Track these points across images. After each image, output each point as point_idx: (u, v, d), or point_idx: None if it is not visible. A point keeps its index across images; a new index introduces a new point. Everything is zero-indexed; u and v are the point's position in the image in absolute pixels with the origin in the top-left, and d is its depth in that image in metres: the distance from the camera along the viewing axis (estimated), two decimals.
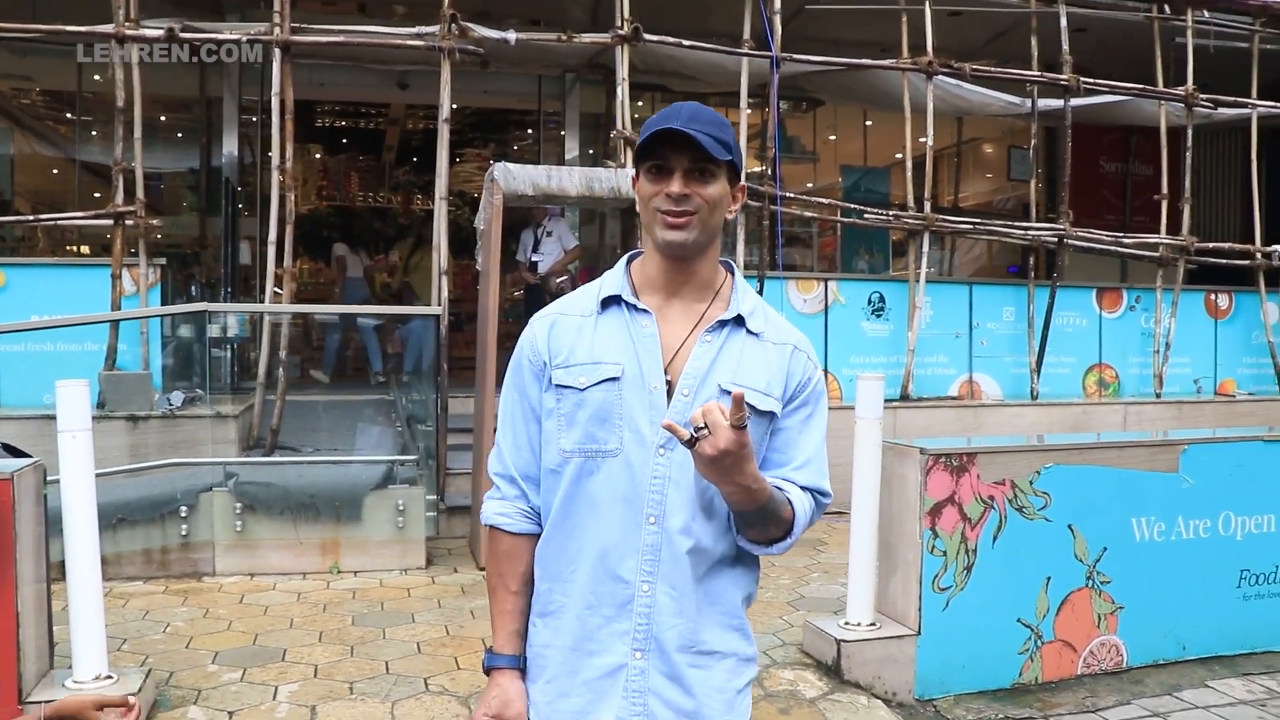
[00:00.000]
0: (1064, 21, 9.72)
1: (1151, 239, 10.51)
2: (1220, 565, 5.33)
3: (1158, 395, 10.43)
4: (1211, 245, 10.83)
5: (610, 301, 1.95)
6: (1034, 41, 9.73)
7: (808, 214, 10.33)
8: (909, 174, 9.65)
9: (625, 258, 2.02)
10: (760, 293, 8.85)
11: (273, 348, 7.92)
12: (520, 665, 1.97)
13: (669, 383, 1.88)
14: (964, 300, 10.06)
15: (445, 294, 7.91)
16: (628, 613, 1.87)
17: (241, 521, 6.52)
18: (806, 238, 13.88)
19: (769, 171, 9.67)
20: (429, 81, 8.75)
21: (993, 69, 9.98)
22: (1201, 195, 12.16)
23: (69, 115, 12.47)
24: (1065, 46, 9.68)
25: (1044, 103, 10.08)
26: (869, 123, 13.75)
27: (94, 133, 11.94)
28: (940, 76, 9.50)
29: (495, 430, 2.07)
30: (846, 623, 4.88)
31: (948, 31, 9.93)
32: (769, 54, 8.94)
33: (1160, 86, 10.28)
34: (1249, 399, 10.89)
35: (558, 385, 1.91)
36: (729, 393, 1.77)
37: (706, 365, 1.89)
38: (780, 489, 1.89)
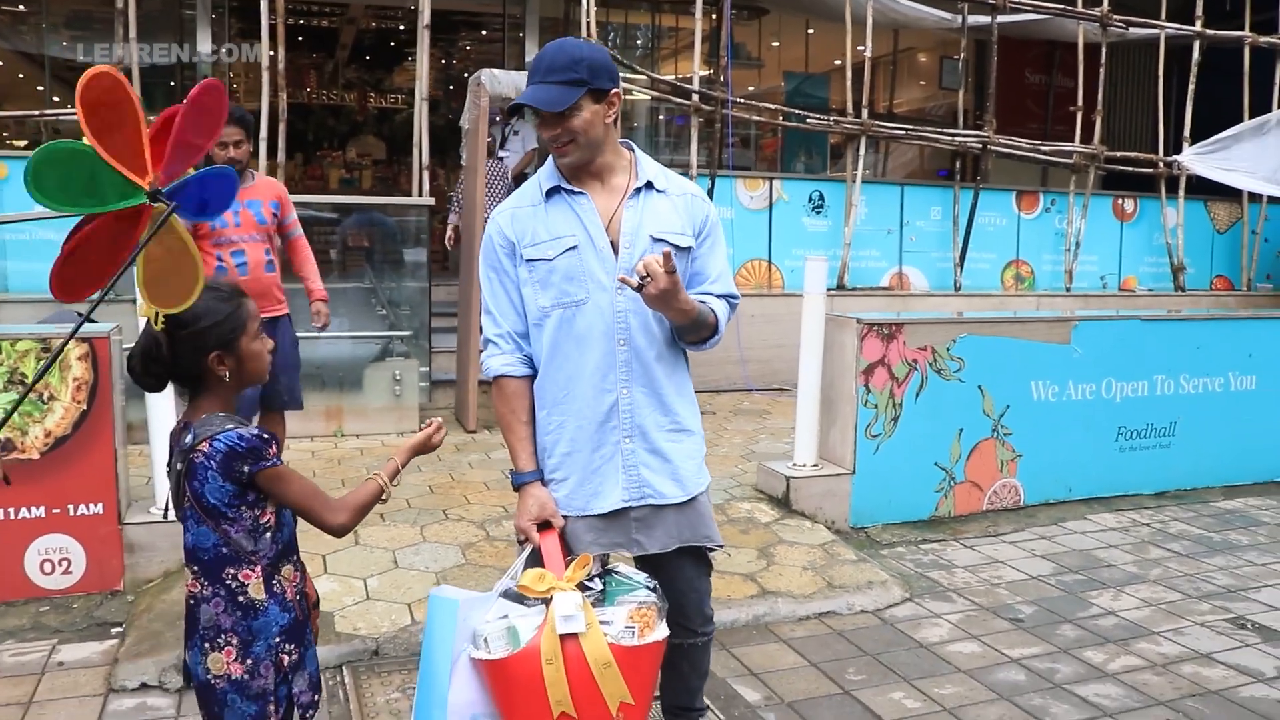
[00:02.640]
0: None
1: (1066, 147, 11.47)
2: (1102, 422, 6.39)
3: (1068, 289, 11.51)
4: (1120, 154, 11.83)
5: (553, 191, 2.59)
6: None
7: (754, 118, 11.10)
8: (848, 81, 10.45)
9: (553, 155, 2.61)
10: (711, 191, 9.80)
11: None
12: (542, 477, 2.63)
13: (612, 242, 2.57)
14: (896, 200, 10.98)
15: (427, 187, 8.65)
16: (615, 412, 2.60)
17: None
18: (749, 139, 14.65)
19: (720, 78, 10.43)
20: None
21: None
22: (1115, 108, 13.13)
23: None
24: None
25: (973, 19, 10.92)
26: (810, 31, 14.43)
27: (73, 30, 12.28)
28: None
29: (482, 306, 2.73)
30: (794, 464, 5.86)
31: None
32: None
33: (1079, 7, 11.15)
34: (1148, 294, 12.03)
35: (530, 260, 2.57)
36: (659, 240, 2.56)
37: (636, 223, 2.59)
38: (704, 302, 2.61)
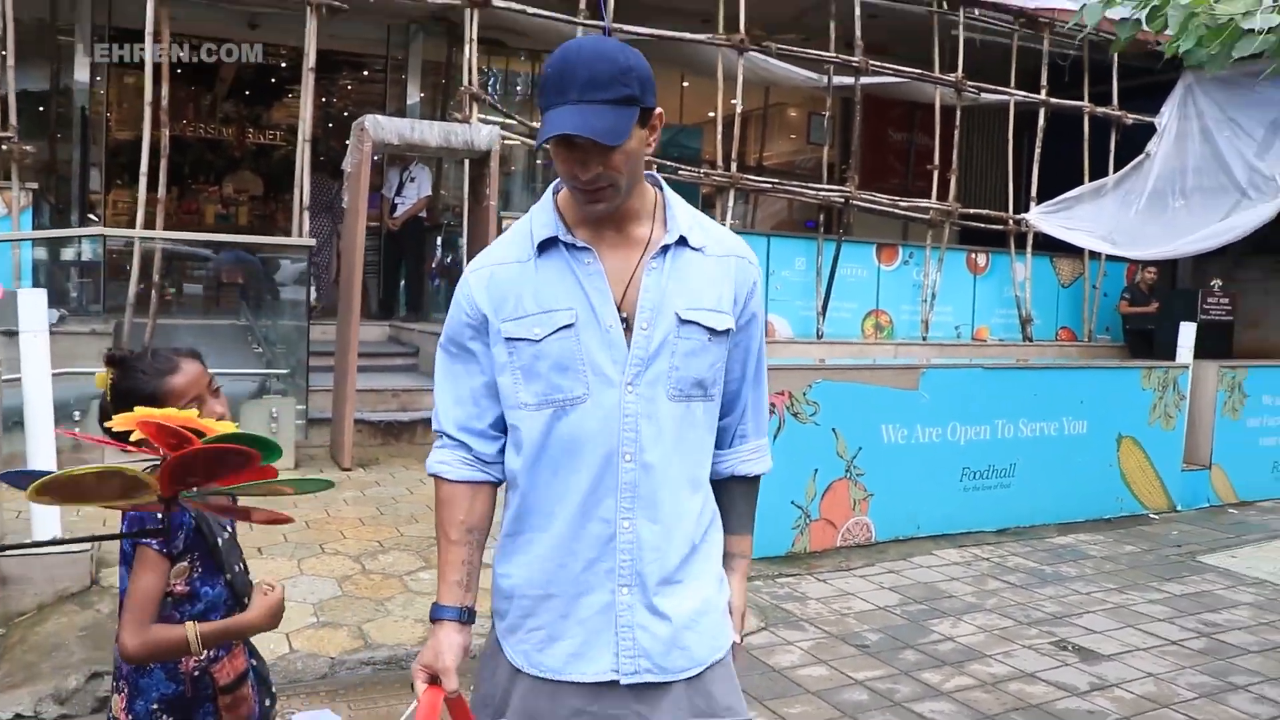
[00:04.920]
0: (857, 10, 11.13)
1: (924, 203, 12.13)
2: (948, 463, 6.86)
3: (924, 338, 12.14)
4: (974, 211, 12.55)
5: (548, 244, 1.88)
6: (832, 26, 11.13)
7: None
8: (719, 134, 10.92)
9: (550, 190, 1.95)
10: None
11: (143, 272, 8.59)
12: (462, 618, 1.92)
13: (624, 318, 1.85)
14: (763, 250, 11.43)
15: (307, 227, 8.78)
16: (611, 550, 1.87)
17: None
18: None
19: None
20: (277, 22, 9.46)
21: (795, 49, 11.31)
22: (969, 167, 13.92)
23: None
24: (859, 33, 11.11)
25: (838, 79, 11.52)
26: (685, 84, 14.95)
27: None
28: (751, 52, 10.78)
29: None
30: None
31: (759, 6, 11.11)
32: (603, 24, 10.03)
33: (936, 72, 11.86)
34: (998, 344, 12.74)
35: (509, 339, 1.87)
36: (689, 321, 1.87)
37: (659, 294, 1.86)
38: (744, 500, 2.11)
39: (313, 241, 8.49)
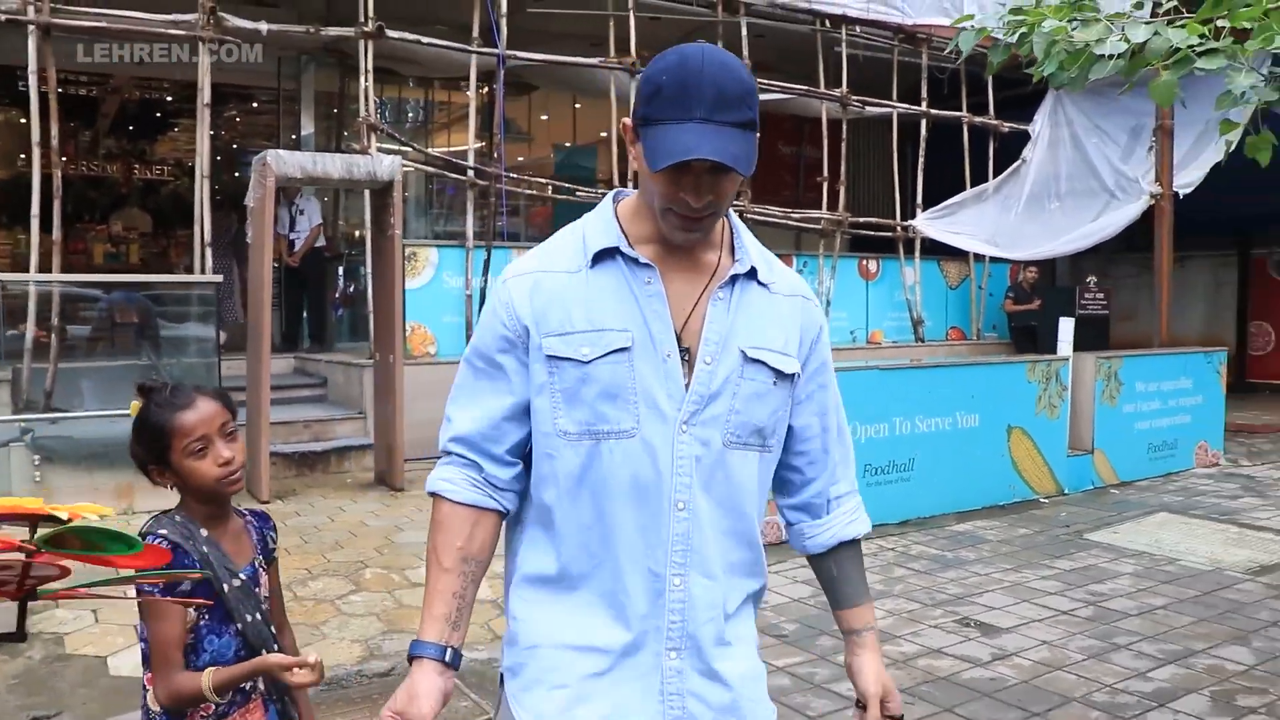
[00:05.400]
0: (745, 31, 11.53)
1: (815, 214, 12.57)
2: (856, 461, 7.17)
3: None
4: (863, 219, 13.04)
5: (605, 255, 1.69)
6: (720, 45, 11.49)
7: (527, 191, 11.69)
8: (614, 154, 11.21)
9: (610, 199, 1.80)
10: (486, 263, 10.28)
11: (40, 315, 8.52)
12: (445, 658, 1.67)
13: (685, 349, 1.67)
14: None
15: (210, 264, 8.82)
16: (660, 609, 1.66)
17: (40, 473, 7.26)
18: (518, 209, 15.26)
19: (495, 153, 10.99)
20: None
21: None
22: (857, 177, 14.42)
23: None
24: (746, 51, 11.50)
25: None
26: (578, 106, 15.24)
27: None
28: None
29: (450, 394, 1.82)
30: None
31: (648, 30, 11.46)
32: (496, 51, 10.25)
33: (822, 88, 12.32)
34: (892, 345, 13.24)
35: (552, 357, 1.65)
36: (756, 360, 1.70)
37: (727, 327, 1.69)
38: (831, 496, 1.95)
39: (219, 278, 8.54)
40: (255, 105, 14.57)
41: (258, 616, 2.20)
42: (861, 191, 14.92)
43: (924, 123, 13.02)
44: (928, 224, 13.03)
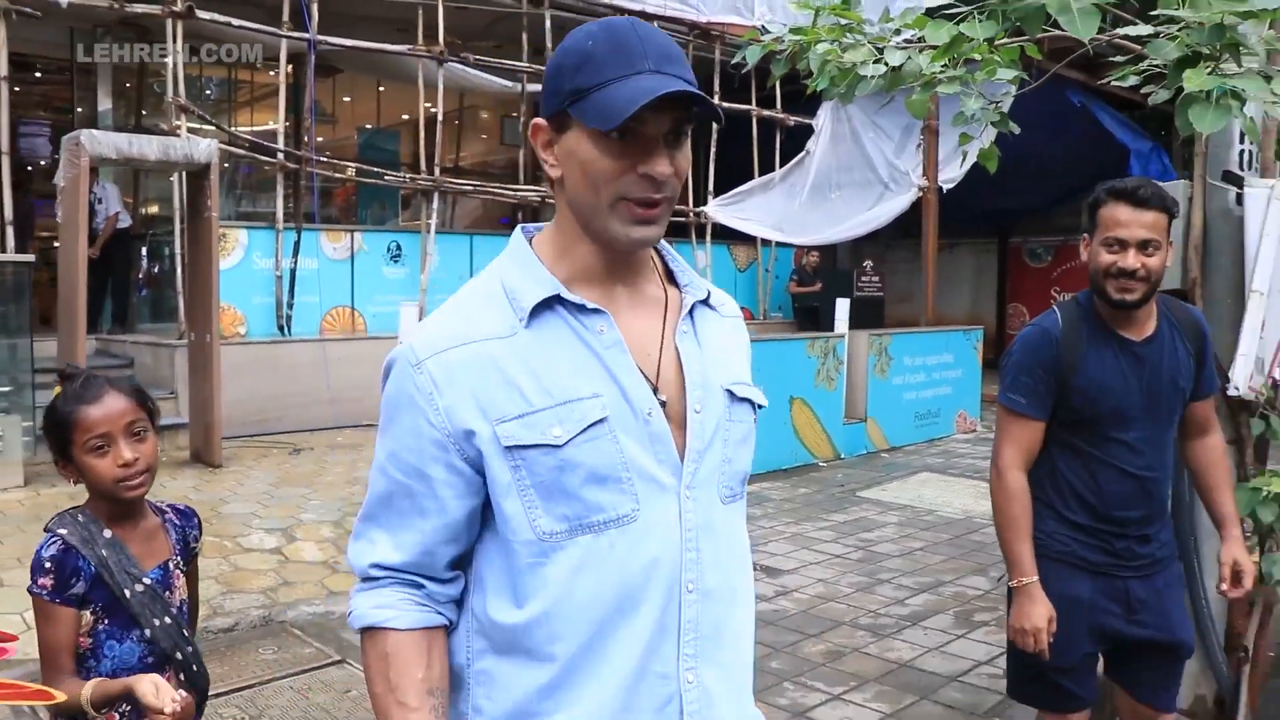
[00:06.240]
0: (549, 23, 12.02)
1: None
2: None
3: None
4: None
5: (543, 307, 1.38)
6: (524, 38, 11.98)
7: (337, 175, 11.89)
8: (421, 138, 11.50)
9: (519, 235, 1.49)
10: (297, 245, 10.47)
11: None
12: None
13: (662, 401, 1.39)
14: (467, 248, 12.14)
15: (11, 243, 8.75)
16: (673, 714, 1.39)
17: None
18: (324, 191, 15.33)
19: (306, 138, 11.16)
20: None
21: (492, 59, 12.07)
22: None
23: None
24: (550, 45, 11.99)
25: (533, 86, 12.38)
26: (381, 89, 15.38)
27: None
28: (450, 63, 11.45)
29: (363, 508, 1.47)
30: None
31: (453, 17, 11.70)
32: (307, 36, 10.42)
33: None
34: None
35: (514, 448, 1.34)
36: (743, 399, 1.48)
37: (702, 367, 1.45)
38: None
39: (32, 257, 8.49)
40: (40, 76, 14.10)
41: (167, 620, 2.07)
42: None
43: None
44: (719, 211, 13.84)
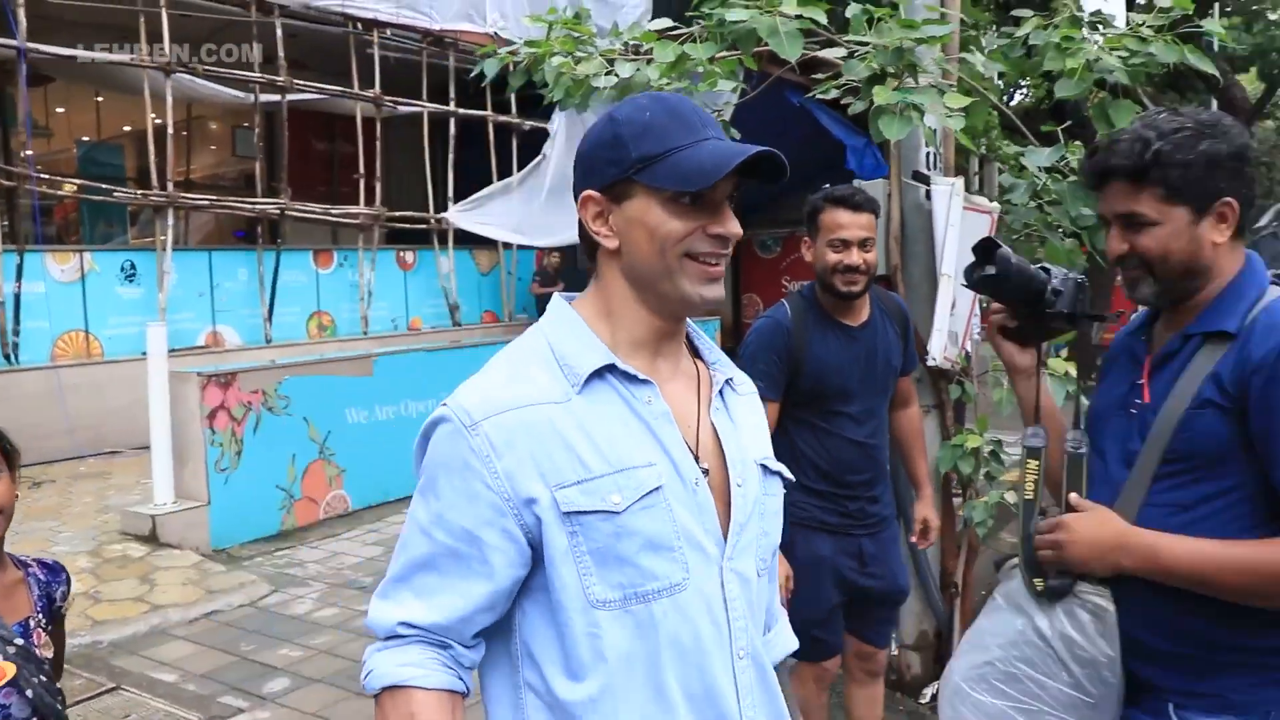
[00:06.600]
0: (280, 31, 11.79)
1: (354, 209, 13.12)
2: (405, 435, 7.91)
3: (365, 333, 13.16)
4: (399, 214, 13.75)
5: (598, 375, 1.41)
6: (255, 46, 11.72)
7: (61, 193, 11.28)
8: (151, 151, 11.03)
9: (560, 302, 1.52)
10: (20, 268, 9.87)
11: None
12: None
13: (705, 470, 1.44)
14: (205, 265, 11.79)
15: None
16: None
17: None
18: (43, 209, 14.44)
19: (23, 154, 10.51)
20: None
21: (222, 69, 11.75)
22: (392, 173, 15.06)
23: None
24: (281, 53, 11.79)
25: (265, 97, 12.13)
26: (100, 99, 14.65)
27: None
28: (177, 74, 11.07)
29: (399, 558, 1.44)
30: (156, 504, 6.65)
31: (176, 24, 11.27)
32: (15, 44, 9.85)
33: (356, 88, 12.85)
34: (432, 331, 14.10)
35: (573, 514, 1.34)
36: (775, 472, 1.56)
37: (738, 441, 1.50)
38: None
39: None
40: None
41: (40, 681, 1.94)
42: (397, 187, 15.60)
43: (453, 121, 13.93)
44: (459, 216, 13.97)
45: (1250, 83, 22.55)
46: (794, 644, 1.69)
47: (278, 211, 12.17)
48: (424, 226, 13.96)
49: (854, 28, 3.75)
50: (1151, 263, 1.83)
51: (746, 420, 1.54)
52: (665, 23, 4.24)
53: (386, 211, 13.37)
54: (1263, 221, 5.14)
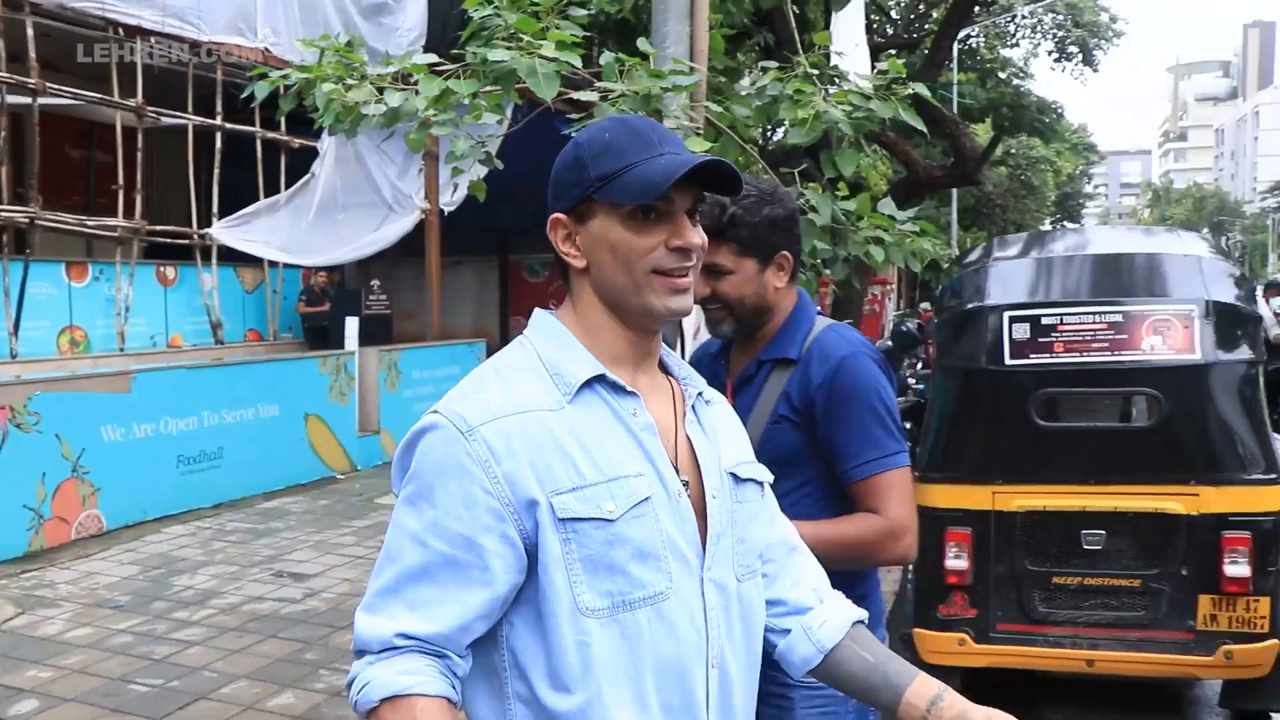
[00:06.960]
0: (31, 32, 11.30)
1: (111, 221, 12.64)
2: (164, 453, 7.85)
3: (121, 349, 12.68)
4: (161, 228, 13.34)
5: (588, 385, 1.43)
6: (1, 44, 11.18)
7: None
8: None
9: (546, 316, 1.55)
10: None
11: None
12: None
13: (684, 482, 1.47)
14: None
15: None
16: None
17: None
18: None
19: None
20: None
21: None
22: (154, 185, 14.58)
23: None
24: (33, 53, 11.28)
25: (13, 99, 11.57)
26: None
27: None
28: None
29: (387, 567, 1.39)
30: None
31: None
32: None
33: (117, 96, 12.41)
34: (192, 349, 13.72)
35: (568, 520, 1.36)
36: (748, 479, 1.58)
37: (712, 452, 1.54)
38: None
39: None
40: None
41: None
42: (159, 200, 15.11)
43: (219, 135, 13.63)
44: (224, 232, 13.65)
45: (986, 132, 24.63)
46: (859, 613, 1.67)
47: (26, 220, 11.62)
48: (187, 242, 13.54)
49: (606, 74, 4.10)
50: (731, 304, 2.20)
51: (720, 432, 1.57)
52: (432, 58, 4.46)
53: (147, 225, 12.92)
54: (973, 257, 5.70)
